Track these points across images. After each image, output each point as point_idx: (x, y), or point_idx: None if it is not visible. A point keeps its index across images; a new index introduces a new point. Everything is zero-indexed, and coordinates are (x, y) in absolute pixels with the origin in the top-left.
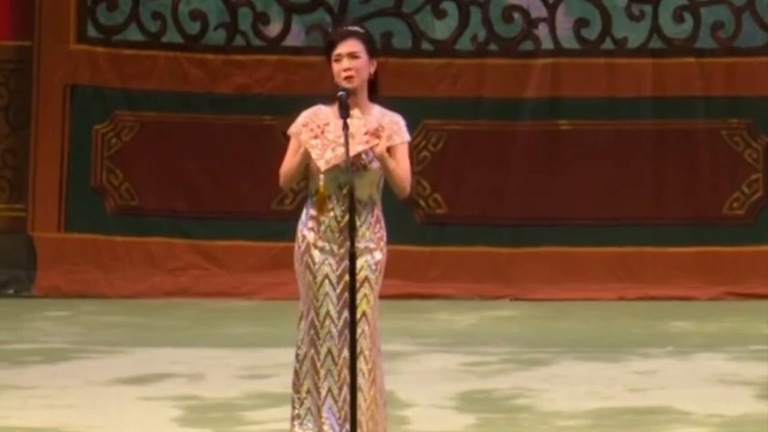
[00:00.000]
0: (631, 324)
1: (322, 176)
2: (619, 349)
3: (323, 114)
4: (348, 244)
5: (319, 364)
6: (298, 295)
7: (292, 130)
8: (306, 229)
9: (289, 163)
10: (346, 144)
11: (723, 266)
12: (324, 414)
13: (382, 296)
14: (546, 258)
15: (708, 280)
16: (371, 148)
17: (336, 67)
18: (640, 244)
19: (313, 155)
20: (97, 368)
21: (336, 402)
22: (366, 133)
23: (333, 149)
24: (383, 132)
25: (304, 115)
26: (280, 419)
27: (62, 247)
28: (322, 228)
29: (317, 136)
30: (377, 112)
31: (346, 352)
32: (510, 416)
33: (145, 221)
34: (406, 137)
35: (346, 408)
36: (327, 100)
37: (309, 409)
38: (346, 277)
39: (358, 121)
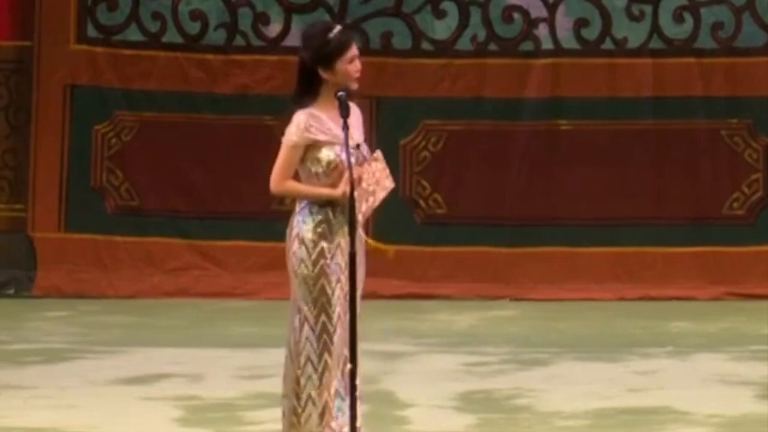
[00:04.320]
0: (631, 324)
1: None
2: (619, 349)
3: (327, 125)
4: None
5: (332, 365)
6: None
7: (294, 138)
8: (314, 235)
9: (302, 186)
10: (346, 144)
11: (723, 266)
12: (335, 414)
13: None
14: (546, 258)
15: (708, 280)
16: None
17: (350, 67)
18: (640, 244)
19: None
20: (97, 368)
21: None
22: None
23: (367, 200)
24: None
25: (303, 122)
26: (279, 419)
27: (62, 247)
28: (335, 228)
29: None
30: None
31: (346, 351)
32: (510, 416)
33: (145, 221)
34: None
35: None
36: (305, 102)
37: (310, 414)
38: (346, 272)
39: (379, 163)
